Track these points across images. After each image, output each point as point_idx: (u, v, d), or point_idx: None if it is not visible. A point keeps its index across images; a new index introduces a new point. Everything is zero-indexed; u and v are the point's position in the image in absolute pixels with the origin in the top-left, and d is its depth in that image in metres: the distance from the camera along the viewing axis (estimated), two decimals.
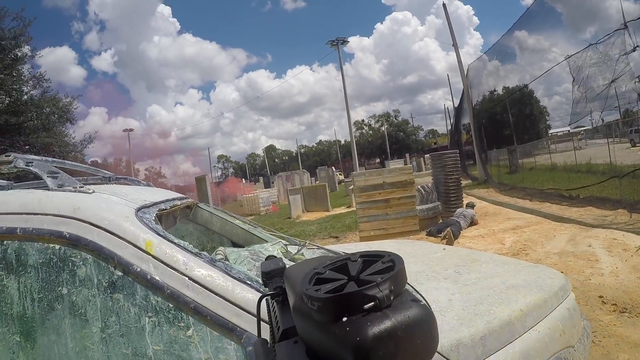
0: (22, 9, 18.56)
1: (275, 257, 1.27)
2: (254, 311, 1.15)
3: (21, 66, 19.14)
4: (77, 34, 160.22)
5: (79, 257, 1.54)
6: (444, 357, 1.48)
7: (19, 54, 18.69)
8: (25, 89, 19.24)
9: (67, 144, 21.16)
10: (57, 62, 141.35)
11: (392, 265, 0.69)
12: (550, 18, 15.57)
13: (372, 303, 0.60)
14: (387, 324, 0.58)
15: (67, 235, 1.55)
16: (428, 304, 1.73)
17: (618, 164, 11.91)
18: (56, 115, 20.31)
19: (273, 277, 1.10)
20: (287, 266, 1.07)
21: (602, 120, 16.25)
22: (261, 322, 1.12)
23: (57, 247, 1.55)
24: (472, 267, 2.35)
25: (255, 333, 1.11)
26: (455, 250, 3.02)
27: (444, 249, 2.96)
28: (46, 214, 1.62)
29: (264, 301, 1.10)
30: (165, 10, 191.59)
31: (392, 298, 0.62)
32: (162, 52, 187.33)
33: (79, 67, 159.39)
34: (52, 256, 1.55)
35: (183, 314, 1.46)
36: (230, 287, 1.48)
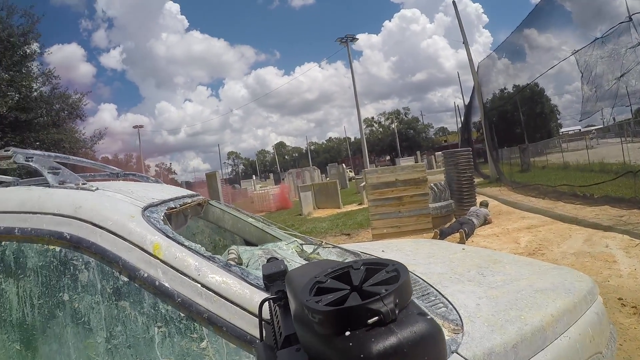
0: (30, 6, 18.75)
1: (277, 259, 1.21)
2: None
3: (30, 63, 19.24)
4: (85, 31, 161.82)
5: (80, 260, 1.44)
6: None
7: (28, 51, 18.78)
8: (34, 85, 19.29)
9: (77, 140, 21.21)
10: (66, 59, 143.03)
11: (396, 276, 0.64)
12: (559, 16, 15.37)
13: (377, 317, 0.56)
14: (392, 340, 0.54)
15: (68, 237, 1.46)
16: (455, 308, 1.66)
17: (632, 162, 11.73)
18: (66, 112, 20.40)
19: (275, 280, 1.09)
20: (289, 269, 1.04)
21: (614, 119, 16.09)
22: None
23: (57, 249, 1.47)
24: (495, 268, 2.26)
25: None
26: (475, 250, 2.93)
27: (463, 249, 2.87)
28: (46, 213, 1.53)
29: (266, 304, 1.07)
30: (173, 7, 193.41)
31: (397, 312, 0.58)
32: (170, 50, 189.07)
33: (87, 64, 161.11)
34: (52, 259, 1.46)
35: (196, 324, 1.35)
36: (248, 295, 1.36)
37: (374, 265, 0.70)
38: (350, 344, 0.55)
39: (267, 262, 1.18)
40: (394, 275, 0.65)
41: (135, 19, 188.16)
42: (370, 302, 0.58)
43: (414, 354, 0.54)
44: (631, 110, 13.45)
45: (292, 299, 0.77)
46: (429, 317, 0.59)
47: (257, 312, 1.11)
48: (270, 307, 1.05)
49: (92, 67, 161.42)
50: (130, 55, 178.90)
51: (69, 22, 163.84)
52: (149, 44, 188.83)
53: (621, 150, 12.52)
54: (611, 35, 10.85)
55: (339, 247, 2.63)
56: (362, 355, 0.53)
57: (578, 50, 12.74)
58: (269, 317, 1.09)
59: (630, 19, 9.59)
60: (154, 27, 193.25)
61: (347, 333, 0.56)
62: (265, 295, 1.28)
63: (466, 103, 34.02)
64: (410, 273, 0.64)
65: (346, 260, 2.27)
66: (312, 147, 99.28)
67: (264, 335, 1.09)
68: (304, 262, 2.11)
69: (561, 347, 1.59)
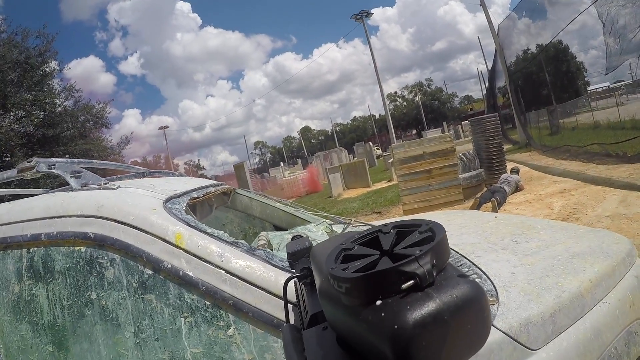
0: (43, 27, 18.96)
1: (302, 236, 1.17)
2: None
3: (51, 80, 19.56)
4: (101, 42, 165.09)
5: (105, 257, 1.46)
6: (513, 339, 1.33)
7: (47, 70, 19.06)
8: (58, 101, 19.60)
9: (105, 148, 21.55)
10: (85, 71, 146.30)
11: (431, 236, 0.57)
12: None
13: (412, 281, 0.50)
14: (430, 306, 0.48)
15: (92, 236, 1.48)
16: (489, 278, 1.61)
17: None
18: (91, 122, 20.71)
19: (299, 257, 1.04)
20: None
21: None
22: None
23: (82, 249, 1.49)
24: (529, 234, 2.19)
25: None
26: (508, 217, 2.86)
27: (496, 217, 2.81)
28: (70, 216, 1.56)
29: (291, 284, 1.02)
30: (184, 6, 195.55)
31: (434, 274, 0.51)
32: (186, 48, 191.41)
33: (107, 73, 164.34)
34: (78, 259, 1.48)
35: (222, 311, 1.35)
36: (273, 278, 1.35)
37: (406, 227, 0.64)
38: (383, 314, 0.49)
39: (291, 240, 1.15)
40: (428, 235, 0.59)
41: (148, 24, 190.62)
42: (403, 264, 0.52)
43: (456, 321, 0.49)
44: None
45: (317, 272, 0.73)
46: (470, 279, 0.54)
47: (282, 294, 1.09)
48: (295, 286, 1.03)
49: (112, 76, 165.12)
50: (148, 59, 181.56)
51: (83, 36, 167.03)
52: (165, 45, 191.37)
53: None
54: None
55: (370, 225, 2.61)
56: (396, 326, 0.48)
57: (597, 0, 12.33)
58: (294, 298, 1.07)
59: None
60: (168, 28, 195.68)
61: (378, 302, 0.51)
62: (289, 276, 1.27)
63: (489, 68, 33.49)
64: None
65: None
66: (337, 129, 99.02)
67: (290, 316, 1.07)
68: None
69: (600, 314, 1.53)
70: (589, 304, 1.53)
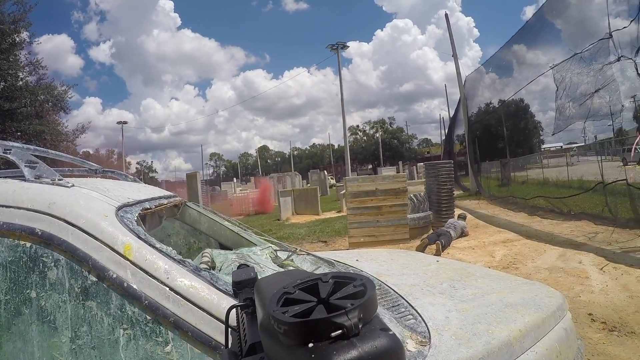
0: None
1: (248, 265, 1.21)
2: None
3: (18, 52, 19.06)
4: (77, 23, 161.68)
5: (50, 257, 1.42)
6: None
7: (17, 39, 18.59)
8: (20, 74, 19.11)
9: (59, 133, 20.96)
10: (54, 49, 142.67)
11: (363, 291, 0.67)
12: (548, 33, 15.46)
13: (340, 331, 0.59)
14: (353, 353, 0.56)
15: (40, 233, 1.44)
16: (424, 320, 1.68)
17: (609, 180, 11.91)
18: (50, 103, 20.19)
19: (244, 287, 1.11)
20: (260, 277, 1.05)
21: (595, 137, 16.23)
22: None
23: (28, 244, 1.44)
24: (467, 282, 2.29)
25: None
26: (449, 263, 2.95)
27: (437, 261, 2.90)
28: (19, 208, 1.50)
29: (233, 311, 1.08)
30: (167, 4, 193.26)
31: (360, 326, 0.60)
32: (160, 47, 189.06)
33: (76, 56, 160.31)
34: (22, 254, 1.43)
35: (162, 327, 1.34)
36: (215, 301, 1.35)
37: (343, 279, 0.72)
38: (313, 355, 0.56)
39: (237, 268, 1.19)
40: (360, 290, 0.67)
41: (127, 14, 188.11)
42: (334, 316, 0.60)
43: None
44: (613, 129, 13.60)
45: (260, 308, 0.79)
46: (390, 332, 0.61)
47: (223, 318, 1.11)
48: (237, 314, 1.06)
49: (80, 60, 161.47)
50: (120, 50, 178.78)
51: (61, 12, 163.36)
52: (139, 39, 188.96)
53: (599, 168, 12.70)
54: (591, 51, 10.96)
55: (313, 255, 2.63)
56: None
57: (556, 65, 12.89)
58: (235, 324, 1.10)
59: (610, 36, 9.72)
60: (146, 23, 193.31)
61: (311, 345, 0.58)
62: (233, 301, 1.28)
63: (451, 115, 34.39)
64: (382, 284, 0.67)
65: (319, 269, 2.28)
66: (295, 152, 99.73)
67: (229, 342, 1.09)
68: (278, 268, 2.12)
69: None
70: (516, 352, 1.61)
